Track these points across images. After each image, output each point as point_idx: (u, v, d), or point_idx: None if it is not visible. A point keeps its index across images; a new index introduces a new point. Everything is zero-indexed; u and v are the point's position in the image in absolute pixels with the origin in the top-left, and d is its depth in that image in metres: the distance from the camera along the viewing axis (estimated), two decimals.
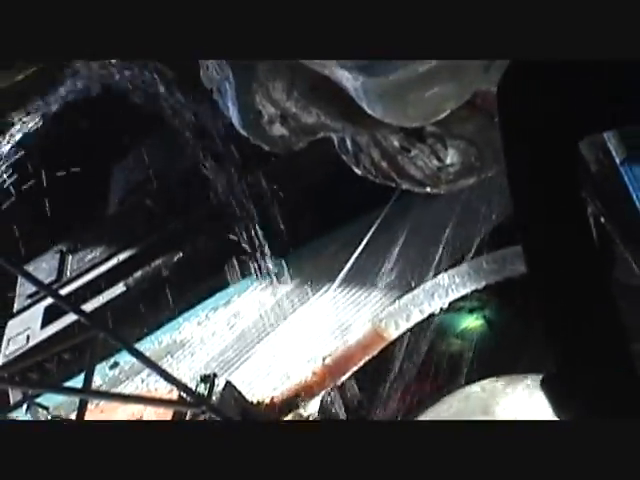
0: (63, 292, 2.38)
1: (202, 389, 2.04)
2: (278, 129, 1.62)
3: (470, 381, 1.94)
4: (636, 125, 1.41)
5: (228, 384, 2.03)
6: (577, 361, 1.21)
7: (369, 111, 1.47)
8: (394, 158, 1.72)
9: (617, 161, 1.63)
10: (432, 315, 1.96)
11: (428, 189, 1.78)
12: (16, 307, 2.43)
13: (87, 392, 1.74)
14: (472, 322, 2.03)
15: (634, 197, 1.63)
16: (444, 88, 1.41)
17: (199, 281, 2.23)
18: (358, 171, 1.79)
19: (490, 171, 1.72)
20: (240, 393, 2.03)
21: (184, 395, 1.96)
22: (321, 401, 2.03)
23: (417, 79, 1.39)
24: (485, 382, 1.93)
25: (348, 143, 1.75)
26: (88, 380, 1.63)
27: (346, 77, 1.44)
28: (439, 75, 1.40)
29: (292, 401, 2.01)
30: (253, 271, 2.15)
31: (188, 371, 2.11)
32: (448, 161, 1.69)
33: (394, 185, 1.80)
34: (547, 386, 1.31)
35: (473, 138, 1.67)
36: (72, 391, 1.99)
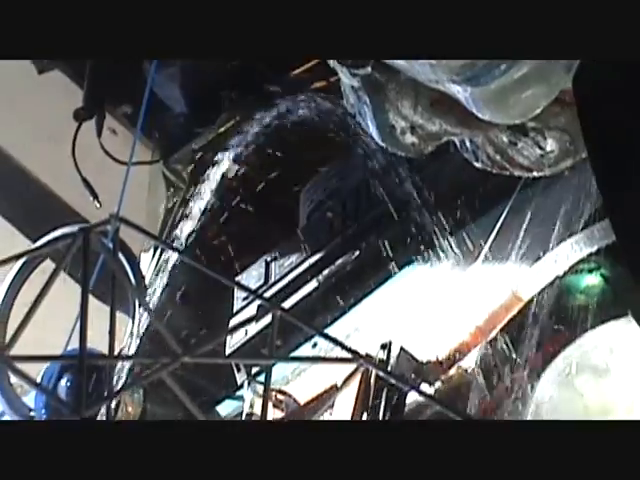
0: (271, 292, 2.72)
1: (382, 355, 2.25)
2: (409, 138, 1.88)
3: (594, 325, 2.10)
4: None
5: (402, 349, 2.27)
6: None
7: (479, 115, 1.68)
8: (505, 151, 1.94)
9: None
10: (557, 277, 2.16)
11: (535, 173, 1.98)
12: (235, 308, 2.80)
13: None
14: (592, 279, 2.19)
15: None
16: (536, 89, 1.60)
17: (376, 270, 2.47)
18: (478, 165, 1.99)
19: (583, 153, 1.88)
20: (412, 356, 2.28)
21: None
22: (479, 355, 2.26)
23: (514, 84, 1.59)
24: (606, 325, 2.09)
25: (467, 143, 1.98)
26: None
27: (457, 90, 1.65)
28: (530, 79, 1.58)
29: (453, 358, 2.25)
30: (418, 254, 2.36)
31: (371, 340, 2.32)
32: (548, 148, 1.90)
33: (508, 174, 1.99)
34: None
35: (566, 127, 1.86)
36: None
